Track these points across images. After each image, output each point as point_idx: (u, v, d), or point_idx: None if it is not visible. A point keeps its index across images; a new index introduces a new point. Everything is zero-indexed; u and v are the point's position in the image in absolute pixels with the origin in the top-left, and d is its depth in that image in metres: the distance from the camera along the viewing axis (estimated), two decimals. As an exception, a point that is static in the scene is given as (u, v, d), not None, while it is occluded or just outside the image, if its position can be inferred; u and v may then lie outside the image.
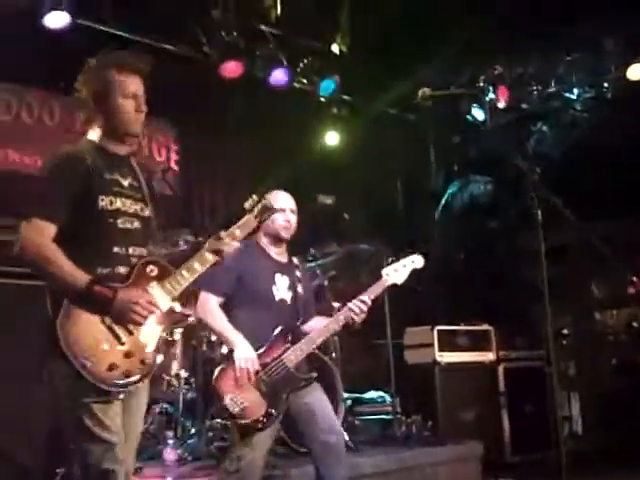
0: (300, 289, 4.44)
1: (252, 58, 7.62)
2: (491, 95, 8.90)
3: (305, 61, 8.04)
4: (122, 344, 3.10)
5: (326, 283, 6.27)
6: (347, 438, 5.41)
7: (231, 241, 3.50)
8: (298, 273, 4.48)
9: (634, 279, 7.54)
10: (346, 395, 6.29)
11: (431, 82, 6.92)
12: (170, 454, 5.17)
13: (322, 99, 8.42)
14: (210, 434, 5.49)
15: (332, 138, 9.01)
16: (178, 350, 6.07)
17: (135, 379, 3.13)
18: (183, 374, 5.94)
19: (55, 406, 3.16)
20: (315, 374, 4.31)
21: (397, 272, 4.37)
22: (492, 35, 8.03)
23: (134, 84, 3.37)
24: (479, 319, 7.82)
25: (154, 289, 3.24)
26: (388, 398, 6.98)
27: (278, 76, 7.80)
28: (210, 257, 3.41)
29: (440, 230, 9.72)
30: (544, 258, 4.17)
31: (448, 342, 7.29)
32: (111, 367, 3.04)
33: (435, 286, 8.93)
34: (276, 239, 4.44)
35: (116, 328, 3.10)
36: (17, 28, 6.17)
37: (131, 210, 3.33)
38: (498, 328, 7.68)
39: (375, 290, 4.32)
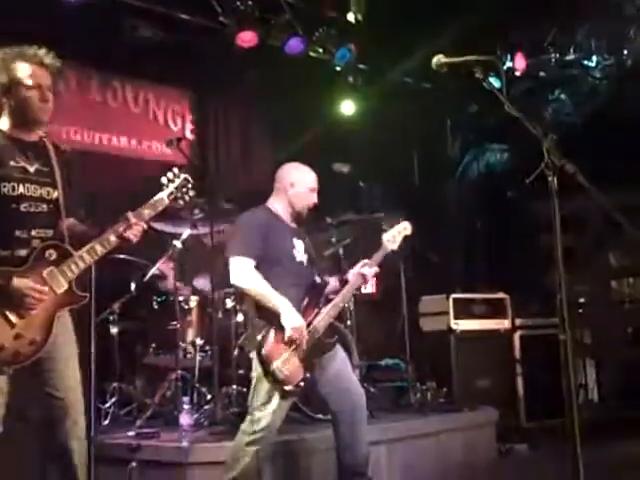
0: (312, 252, 4.51)
1: (267, 27, 7.60)
2: (508, 63, 8.83)
3: (321, 30, 7.99)
4: (12, 326, 3.32)
5: (341, 251, 6.29)
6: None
7: (138, 222, 3.57)
8: (306, 238, 4.54)
9: (650, 247, 7.52)
10: (361, 362, 6.34)
11: (447, 51, 6.89)
12: (186, 419, 5.23)
13: (338, 68, 8.39)
14: (226, 400, 5.56)
15: (348, 107, 8.98)
16: (194, 318, 6.13)
17: (21, 358, 3.35)
18: (199, 341, 6.00)
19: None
20: (337, 337, 4.39)
21: (394, 238, 4.56)
22: (509, 2, 7.96)
23: (39, 76, 3.51)
24: (495, 287, 7.83)
25: (51, 273, 3.42)
26: (403, 365, 7.02)
27: (294, 45, 7.77)
28: (113, 240, 3.52)
29: (456, 199, 9.71)
30: (559, 226, 4.16)
31: (463, 310, 7.32)
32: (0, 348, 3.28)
33: (451, 255, 8.94)
34: (294, 213, 4.47)
35: (7, 312, 3.31)
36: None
37: (36, 194, 3.50)
38: (514, 296, 7.69)
39: (379, 256, 4.50)
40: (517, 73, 8.86)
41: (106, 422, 5.72)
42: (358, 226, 6.76)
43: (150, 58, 7.19)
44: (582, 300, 8.21)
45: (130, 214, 3.56)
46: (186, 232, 5.98)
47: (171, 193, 3.72)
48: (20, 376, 3.45)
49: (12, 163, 3.46)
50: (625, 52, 8.74)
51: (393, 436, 5.62)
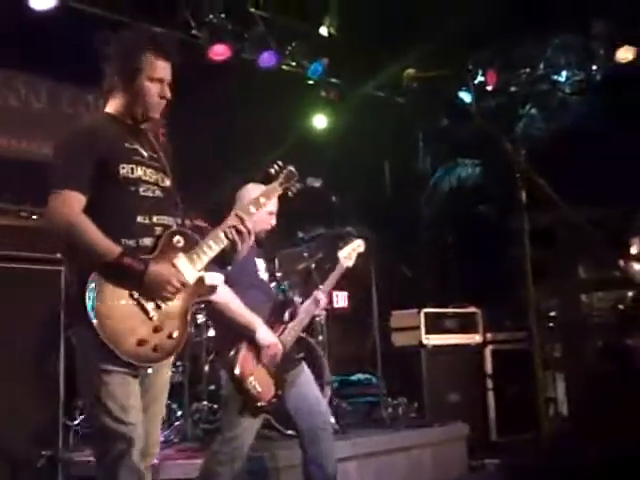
0: (273, 269, 4.53)
1: (241, 41, 7.60)
2: (480, 78, 8.90)
3: (294, 44, 8.01)
4: (150, 319, 3.04)
5: (313, 266, 6.28)
6: (333, 420, 5.46)
7: (256, 209, 3.42)
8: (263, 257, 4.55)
9: (620, 262, 7.57)
10: (332, 377, 6.32)
11: (420, 65, 6.92)
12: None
13: (311, 82, 8.41)
14: (197, 416, 5.51)
15: (320, 121, 9.00)
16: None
17: (161, 355, 3.08)
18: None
19: (80, 374, 3.13)
20: (304, 353, 4.40)
21: (350, 255, 4.66)
22: (481, 18, 8.02)
23: (163, 69, 3.27)
24: (466, 302, 7.85)
25: (181, 261, 3.15)
26: (374, 380, 7.01)
27: (267, 59, 7.78)
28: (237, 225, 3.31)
29: (428, 213, 9.74)
30: (529, 240, 4.20)
31: (435, 325, 7.33)
32: (140, 342, 3.00)
33: (423, 269, 8.96)
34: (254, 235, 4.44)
35: (144, 302, 3.04)
36: (1, 11, 6.12)
37: (152, 180, 3.25)
38: (485, 310, 7.72)
39: (336, 275, 4.61)
40: (488, 88, 8.92)
41: (74, 439, 5.63)
42: (330, 240, 6.75)
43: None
44: (552, 314, 8.24)
45: (247, 202, 3.48)
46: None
47: (281, 183, 3.62)
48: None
49: (127, 145, 3.21)
50: (594, 67, 8.84)
51: (364, 451, 5.61)
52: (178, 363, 5.90)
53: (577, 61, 8.94)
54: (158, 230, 3.18)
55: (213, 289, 3.27)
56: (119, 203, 3.14)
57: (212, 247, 3.24)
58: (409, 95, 8.73)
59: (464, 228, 9.57)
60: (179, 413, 5.63)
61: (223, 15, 7.27)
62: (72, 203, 3.04)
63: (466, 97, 8.84)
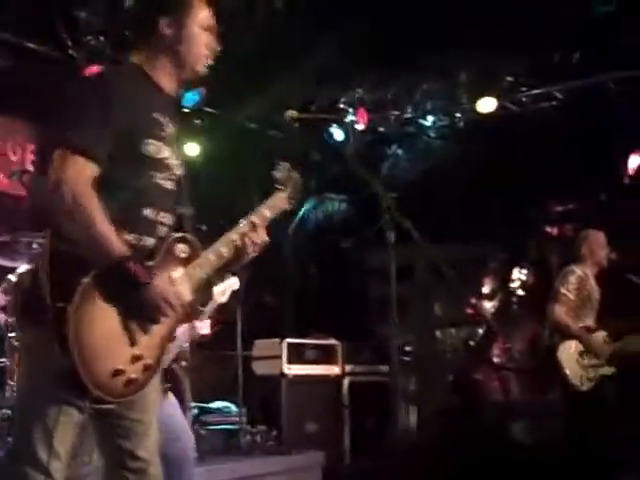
0: None
1: (118, 64, 7.56)
2: (351, 117, 9.14)
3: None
4: (133, 344, 2.49)
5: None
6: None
7: (261, 224, 2.97)
8: None
9: (473, 300, 7.96)
10: (192, 404, 6.33)
11: (293, 101, 7.09)
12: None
13: (185, 110, 8.44)
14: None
15: (192, 149, 9.03)
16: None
17: (131, 391, 2.52)
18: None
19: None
20: (170, 383, 4.42)
21: (224, 293, 4.70)
22: (353, 57, 8.28)
23: (212, 17, 2.83)
24: (328, 334, 8.03)
25: (180, 276, 2.61)
26: (234, 408, 7.07)
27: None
28: (237, 239, 2.90)
29: (294, 245, 9.90)
30: (394, 278, 4.37)
31: (296, 355, 7.46)
32: (116, 372, 2.44)
33: (287, 300, 9.09)
34: None
35: (131, 323, 2.47)
36: None
37: (172, 164, 2.73)
38: (346, 343, 7.91)
39: (209, 309, 4.60)
40: (359, 127, 9.18)
41: None
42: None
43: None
44: (408, 348, 8.55)
45: (252, 216, 2.96)
46: (23, 266, 5.80)
47: (289, 194, 3.18)
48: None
49: (156, 115, 2.65)
50: (458, 115, 9.26)
51: (220, 478, 5.65)
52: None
53: (442, 107, 9.33)
54: (162, 230, 2.68)
55: (199, 314, 2.88)
56: (129, 187, 2.57)
57: (212, 262, 2.77)
58: (282, 129, 8.89)
59: (328, 262, 9.78)
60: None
61: (101, 38, 7.23)
62: (86, 175, 2.43)
63: (338, 134, 9.06)
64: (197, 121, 8.71)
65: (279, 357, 7.30)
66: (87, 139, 2.45)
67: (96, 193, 2.44)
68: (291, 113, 3.50)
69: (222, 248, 2.82)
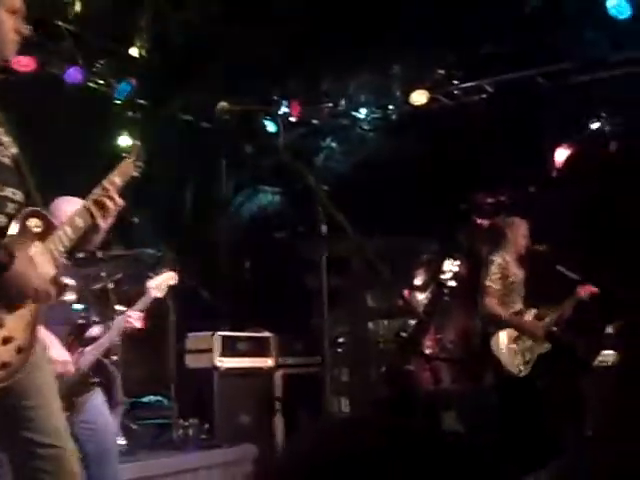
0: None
1: (46, 54, 7.42)
2: (284, 109, 9.13)
3: (102, 62, 7.92)
4: (0, 326, 2.43)
5: (111, 286, 6.23)
6: (123, 442, 5.44)
7: (113, 189, 2.95)
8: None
9: (404, 292, 8.03)
10: (124, 399, 6.27)
11: (225, 92, 7.05)
12: None
13: (118, 101, 8.32)
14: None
15: (125, 140, 8.91)
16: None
17: (7, 374, 2.43)
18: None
19: None
20: (100, 378, 4.38)
21: (159, 287, 4.80)
22: (286, 50, 8.27)
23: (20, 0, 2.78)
24: (261, 326, 8.02)
25: (38, 252, 2.57)
26: (166, 402, 7.02)
27: (73, 75, 7.63)
28: (92, 208, 2.86)
29: (227, 237, 9.86)
30: (325, 269, 4.38)
31: (229, 348, 7.43)
32: None
33: (221, 293, 9.05)
34: None
35: None
36: None
37: (3, 141, 2.72)
38: (279, 335, 7.92)
39: (145, 302, 4.74)
40: (292, 119, 9.18)
41: None
42: (129, 261, 6.73)
43: None
44: (341, 340, 8.59)
45: (104, 182, 2.93)
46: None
47: (134, 161, 3.21)
48: None
49: None
50: (391, 107, 9.32)
51: (151, 473, 5.62)
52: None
53: (375, 100, 9.39)
54: (11, 207, 2.60)
55: (63, 289, 2.76)
56: None
57: (70, 236, 2.71)
58: (215, 121, 8.84)
59: (262, 254, 9.77)
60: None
61: (30, 27, 7.07)
62: None
63: (271, 126, 9.05)
64: (129, 112, 8.60)
65: (211, 350, 7.27)
66: None
67: None
68: (222, 105, 3.48)
69: (77, 219, 2.78)
